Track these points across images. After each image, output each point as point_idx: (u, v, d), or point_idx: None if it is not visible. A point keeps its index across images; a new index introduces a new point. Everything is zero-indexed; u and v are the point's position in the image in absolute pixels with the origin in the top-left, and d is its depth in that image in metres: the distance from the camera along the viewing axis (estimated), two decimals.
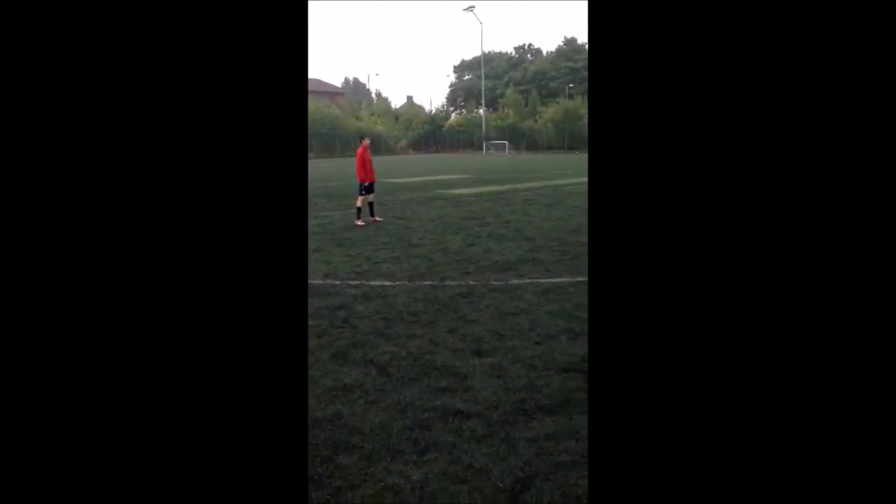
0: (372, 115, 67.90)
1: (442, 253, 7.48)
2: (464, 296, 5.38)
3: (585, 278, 5.76)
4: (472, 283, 5.87)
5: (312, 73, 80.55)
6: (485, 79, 65.02)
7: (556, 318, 4.64)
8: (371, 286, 5.86)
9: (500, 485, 2.47)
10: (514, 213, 11.37)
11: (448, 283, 5.91)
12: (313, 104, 49.83)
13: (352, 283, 6.02)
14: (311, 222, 10.29)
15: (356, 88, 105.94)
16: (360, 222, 10.21)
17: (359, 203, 10.44)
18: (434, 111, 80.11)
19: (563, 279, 5.93)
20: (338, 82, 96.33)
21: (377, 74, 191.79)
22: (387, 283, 5.97)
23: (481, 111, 65.48)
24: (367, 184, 10.44)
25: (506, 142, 54.30)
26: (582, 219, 10.19)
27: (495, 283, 5.85)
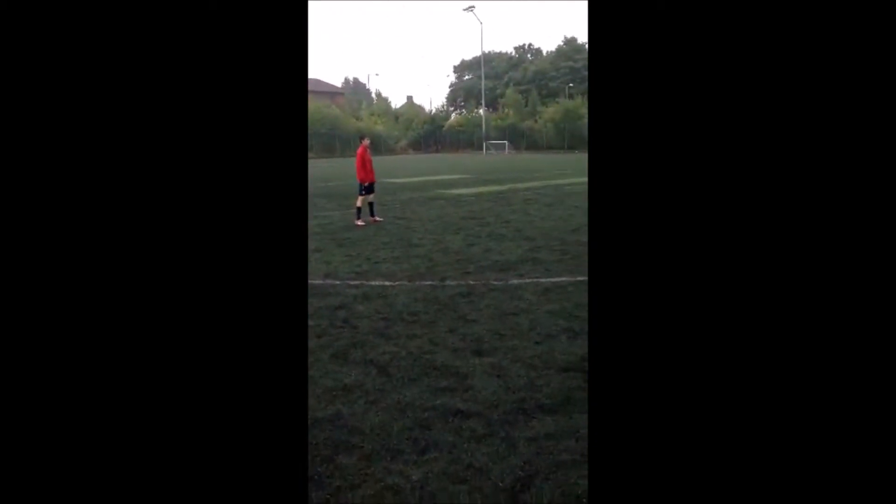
0: (372, 115, 67.93)
1: (442, 253, 7.48)
2: (464, 295, 5.38)
3: (585, 278, 5.76)
4: (472, 282, 5.87)
5: (312, 73, 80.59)
6: (485, 79, 65.04)
7: (556, 318, 4.64)
8: (371, 286, 5.86)
9: (500, 484, 2.47)
10: (514, 212, 11.37)
11: (448, 282, 5.91)
12: (313, 104, 49.85)
13: (352, 283, 6.02)
14: (311, 222, 10.29)
15: (356, 88, 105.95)
16: (360, 222, 10.21)
17: (359, 203, 10.44)
18: (434, 111, 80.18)
19: (563, 279, 5.93)
20: (338, 82, 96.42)
21: (377, 74, 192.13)
22: (387, 283, 5.97)
23: (481, 111, 65.51)
24: (367, 184, 10.44)
25: (506, 142, 54.32)
26: (582, 218, 10.19)
27: (495, 282, 5.85)
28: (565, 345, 4.05)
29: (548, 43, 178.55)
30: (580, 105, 54.26)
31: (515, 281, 5.91)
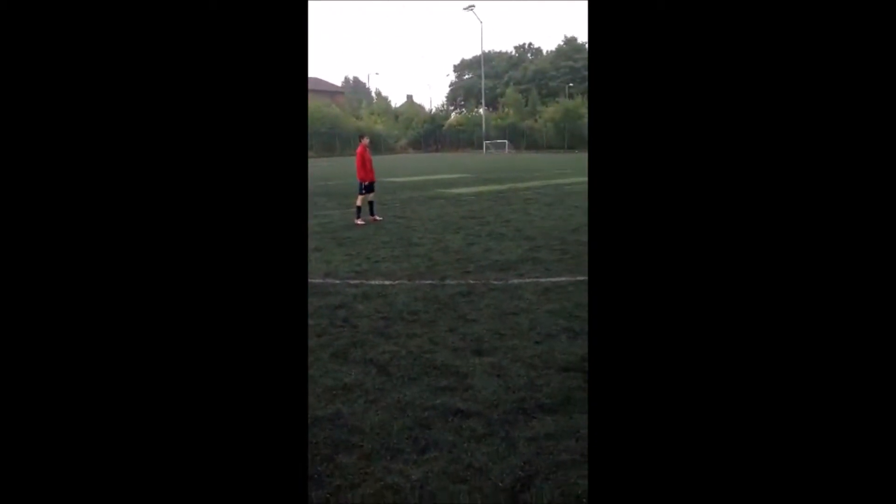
0: (372, 114, 67.94)
1: (442, 252, 7.48)
2: (464, 295, 5.38)
3: (585, 277, 5.77)
4: (472, 282, 5.87)
5: (312, 73, 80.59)
6: (485, 78, 65.06)
7: (556, 318, 4.64)
8: (371, 285, 5.86)
9: (500, 484, 2.48)
10: (514, 212, 11.37)
11: (448, 282, 5.91)
12: (313, 103, 49.86)
13: (352, 282, 6.02)
14: (311, 221, 10.29)
15: (356, 87, 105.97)
16: (359, 221, 10.21)
17: (359, 202, 10.44)
18: (434, 110, 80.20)
19: (563, 278, 5.93)
20: (338, 81, 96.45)
21: (377, 73, 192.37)
22: (387, 283, 5.97)
23: (481, 110, 65.52)
24: (366, 183, 10.44)
25: (506, 141, 54.32)
26: (582, 218, 10.19)
27: (495, 282, 5.85)
28: (565, 345, 4.05)
29: (548, 42, 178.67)
30: (580, 105, 54.24)
31: (515, 280, 5.91)
